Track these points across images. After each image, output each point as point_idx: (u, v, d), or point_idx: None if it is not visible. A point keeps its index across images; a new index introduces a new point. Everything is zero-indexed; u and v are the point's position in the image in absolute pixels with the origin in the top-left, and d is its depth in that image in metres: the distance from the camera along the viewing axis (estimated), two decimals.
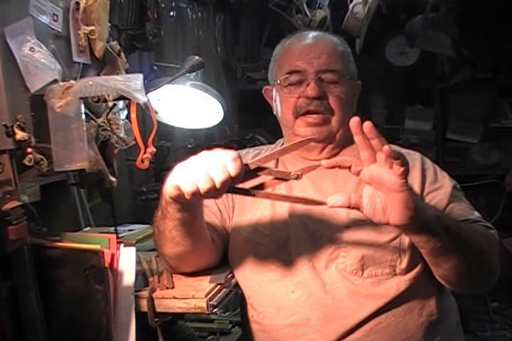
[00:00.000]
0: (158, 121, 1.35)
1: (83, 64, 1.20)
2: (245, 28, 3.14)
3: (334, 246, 1.24)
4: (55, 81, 1.05)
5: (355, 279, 1.22)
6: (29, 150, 0.98)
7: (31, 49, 1.01)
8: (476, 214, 1.27)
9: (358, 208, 1.03)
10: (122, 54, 1.30)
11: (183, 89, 1.78)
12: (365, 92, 1.44)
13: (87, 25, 1.18)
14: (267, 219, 1.30)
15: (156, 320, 1.14)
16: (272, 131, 1.78)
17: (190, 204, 1.09)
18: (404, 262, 1.22)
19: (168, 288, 1.19)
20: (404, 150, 1.27)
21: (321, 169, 1.05)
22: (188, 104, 1.86)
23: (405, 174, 0.97)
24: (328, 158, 1.21)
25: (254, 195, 1.05)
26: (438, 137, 3.94)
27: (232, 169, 0.99)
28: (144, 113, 1.47)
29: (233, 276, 1.31)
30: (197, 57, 1.50)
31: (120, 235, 1.48)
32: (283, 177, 1.05)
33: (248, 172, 1.03)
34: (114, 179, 1.22)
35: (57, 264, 1.07)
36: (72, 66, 1.16)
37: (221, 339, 1.76)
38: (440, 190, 1.28)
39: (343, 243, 1.23)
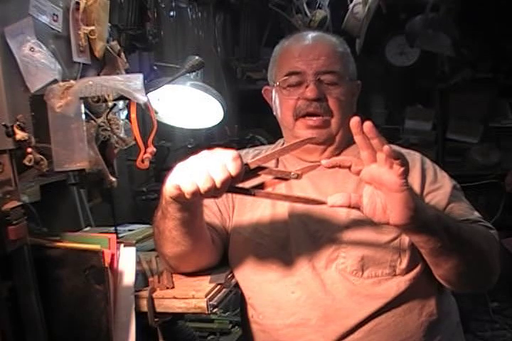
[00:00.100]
0: (158, 121, 1.35)
1: (83, 64, 1.20)
2: (245, 28, 3.14)
3: (334, 246, 1.24)
4: (55, 81, 1.05)
5: (355, 279, 1.22)
6: (29, 150, 0.98)
7: (31, 49, 1.01)
8: (476, 214, 1.27)
9: (358, 208, 1.03)
10: (122, 54, 1.30)
11: (183, 89, 1.77)
12: (365, 92, 1.44)
13: (87, 25, 1.18)
14: (267, 219, 1.30)
15: (156, 320, 1.14)
16: (272, 131, 1.78)
17: (190, 204, 1.09)
18: (404, 262, 1.22)
19: (168, 288, 1.18)
20: (404, 150, 1.27)
21: (321, 169, 1.05)
22: (188, 104, 1.86)
23: (405, 174, 0.97)
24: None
25: (254, 195, 1.05)
26: (438, 137, 3.94)
27: (233, 168, 0.99)
28: (144, 113, 1.47)
29: (233, 276, 1.31)
30: (197, 57, 1.50)
31: (120, 235, 1.48)
32: (283, 177, 1.05)
33: (248, 171, 1.03)
34: (114, 179, 1.22)
35: (57, 264, 1.07)
36: (72, 66, 1.16)
37: (221, 339, 1.76)
38: (440, 190, 1.28)
39: (343, 243, 1.23)
